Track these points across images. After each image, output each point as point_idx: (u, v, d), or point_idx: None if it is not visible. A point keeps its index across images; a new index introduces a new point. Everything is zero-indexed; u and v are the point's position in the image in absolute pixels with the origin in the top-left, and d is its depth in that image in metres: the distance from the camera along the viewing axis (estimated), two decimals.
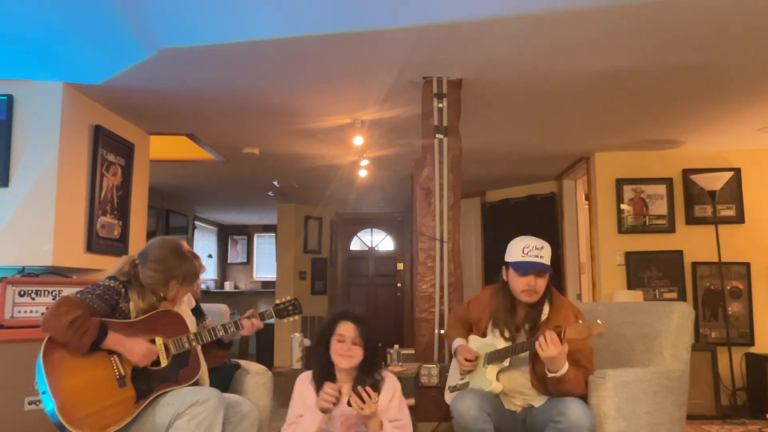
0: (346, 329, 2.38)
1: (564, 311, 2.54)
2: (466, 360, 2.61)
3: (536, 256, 2.51)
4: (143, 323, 2.32)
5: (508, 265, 2.59)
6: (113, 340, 2.21)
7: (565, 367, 2.33)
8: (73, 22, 2.88)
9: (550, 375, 2.35)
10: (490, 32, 2.98)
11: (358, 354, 2.37)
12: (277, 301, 2.70)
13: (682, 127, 4.63)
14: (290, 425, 2.38)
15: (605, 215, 5.37)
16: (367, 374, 2.39)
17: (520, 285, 2.52)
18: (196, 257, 2.49)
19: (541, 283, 2.52)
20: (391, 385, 2.43)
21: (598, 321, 2.28)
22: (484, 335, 2.67)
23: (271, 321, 2.66)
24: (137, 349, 2.23)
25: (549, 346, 2.28)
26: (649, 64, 3.38)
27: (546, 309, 2.55)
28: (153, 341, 2.32)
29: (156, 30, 2.96)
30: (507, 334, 2.55)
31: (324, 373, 2.40)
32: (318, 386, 2.38)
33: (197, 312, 2.64)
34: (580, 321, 2.36)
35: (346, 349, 2.36)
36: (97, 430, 2.11)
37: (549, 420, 2.32)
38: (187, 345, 2.36)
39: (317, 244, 8.92)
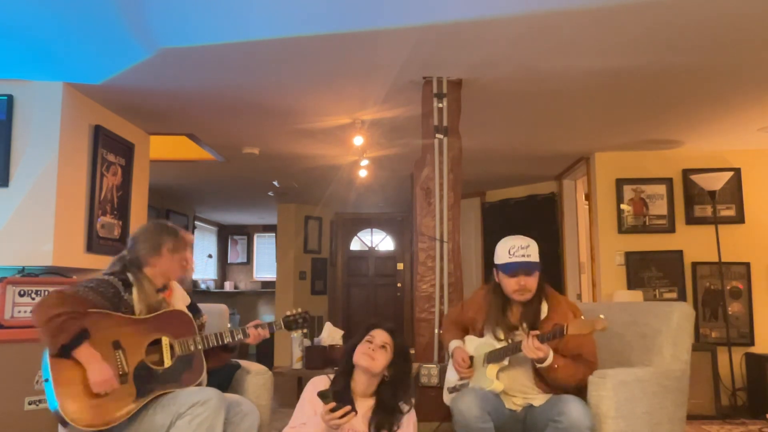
0: (378, 334, 2.35)
1: (562, 308, 2.55)
2: (460, 366, 2.62)
3: (523, 255, 2.52)
4: (152, 321, 2.33)
5: (497, 267, 2.61)
6: (85, 352, 2.13)
7: (550, 356, 2.37)
8: (73, 22, 2.88)
9: (538, 366, 2.41)
10: (490, 32, 2.98)
11: (381, 359, 2.31)
12: (288, 313, 2.70)
13: (682, 127, 4.64)
14: (292, 428, 2.35)
15: (605, 215, 5.37)
16: (389, 404, 2.31)
17: (511, 285, 2.54)
18: (181, 228, 2.58)
19: (531, 281, 2.53)
20: (409, 427, 2.35)
21: (601, 316, 2.30)
22: (481, 335, 2.67)
23: (265, 337, 2.64)
24: (98, 374, 2.13)
25: (533, 351, 2.34)
26: (649, 64, 3.38)
27: (545, 307, 2.56)
28: (159, 340, 2.32)
29: (156, 30, 2.96)
30: (501, 336, 2.56)
31: (341, 385, 2.35)
32: (333, 398, 2.32)
33: (193, 309, 2.64)
34: (582, 317, 2.37)
35: (371, 349, 2.31)
36: (97, 423, 2.11)
37: (549, 419, 2.32)
38: (192, 348, 2.37)
39: (317, 244, 8.92)
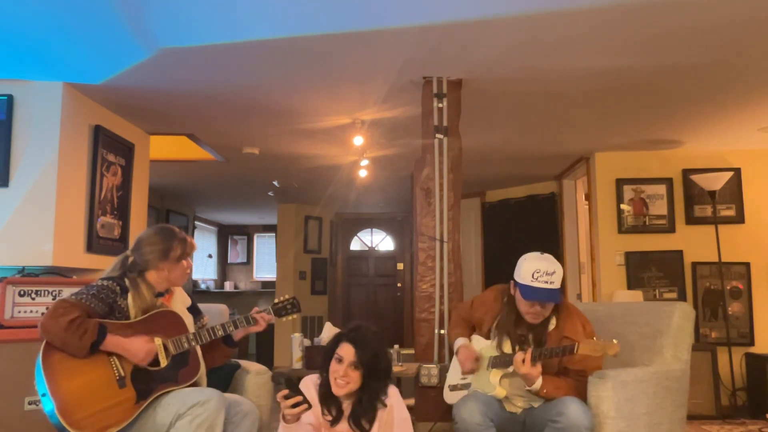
0: (345, 351, 2.25)
1: (572, 321, 2.52)
2: (468, 360, 2.61)
3: (546, 282, 2.42)
4: (142, 324, 2.33)
5: (516, 283, 2.52)
6: (112, 341, 2.21)
7: (538, 383, 2.37)
8: (73, 22, 2.88)
9: (526, 389, 2.42)
10: (490, 32, 2.98)
11: (354, 379, 2.23)
12: (276, 300, 2.70)
13: (682, 127, 4.63)
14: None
15: (605, 215, 5.37)
16: (368, 402, 2.26)
17: (525, 308, 2.49)
18: (188, 235, 2.57)
19: (547, 309, 2.49)
20: (390, 414, 2.29)
21: (614, 341, 2.28)
22: (487, 336, 2.66)
23: (271, 321, 2.66)
24: (137, 349, 2.23)
25: (521, 365, 2.35)
26: (649, 64, 3.38)
27: (553, 319, 2.54)
28: (152, 341, 2.32)
29: (156, 30, 2.96)
30: (507, 348, 2.55)
31: (326, 390, 2.31)
32: (321, 401, 2.29)
33: (193, 310, 2.64)
34: (594, 337, 2.36)
35: (341, 372, 2.23)
36: (102, 430, 2.11)
37: (548, 420, 2.32)
38: (186, 345, 2.37)
39: (317, 244, 8.92)
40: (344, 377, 2.23)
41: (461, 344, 2.70)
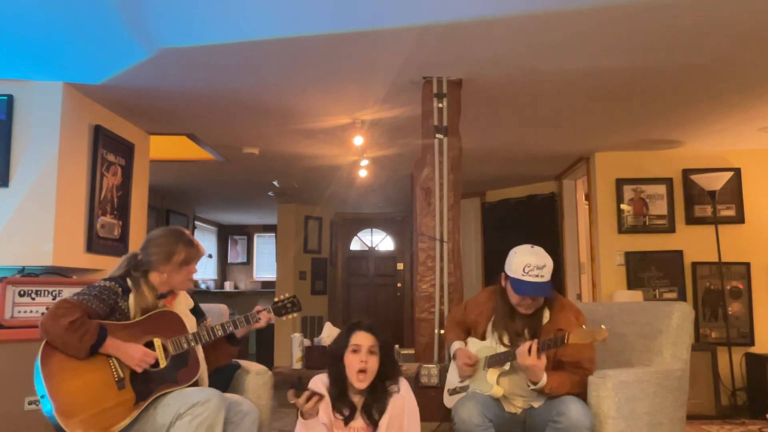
0: (362, 338, 2.29)
1: (565, 313, 2.53)
2: (466, 365, 2.61)
3: (537, 276, 2.45)
4: (142, 324, 2.32)
5: (507, 276, 2.55)
6: (112, 344, 2.21)
7: (543, 379, 2.36)
8: (73, 22, 2.88)
9: (531, 388, 2.40)
10: (490, 32, 2.98)
11: (373, 365, 2.28)
12: (276, 299, 2.69)
13: (682, 127, 4.64)
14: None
15: (605, 215, 5.37)
16: (381, 389, 2.29)
17: (517, 299, 2.52)
18: (196, 240, 2.57)
19: (538, 300, 2.51)
20: (401, 403, 2.31)
21: (602, 326, 2.29)
22: (482, 338, 2.66)
23: (271, 321, 2.66)
24: (134, 353, 2.23)
25: (525, 357, 2.33)
26: (649, 64, 3.38)
27: (546, 313, 2.55)
28: (151, 342, 2.31)
29: (156, 30, 2.96)
30: (507, 341, 2.54)
31: (338, 390, 2.32)
32: (332, 402, 2.30)
33: (197, 312, 2.63)
34: (584, 326, 2.36)
35: (361, 359, 2.26)
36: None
37: (548, 420, 2.32)
38: (185, 345, 2.36)
39: (317, 244, 8.92)
40: (364, 363, 2.26)
41: (457, 348, 2.70)
